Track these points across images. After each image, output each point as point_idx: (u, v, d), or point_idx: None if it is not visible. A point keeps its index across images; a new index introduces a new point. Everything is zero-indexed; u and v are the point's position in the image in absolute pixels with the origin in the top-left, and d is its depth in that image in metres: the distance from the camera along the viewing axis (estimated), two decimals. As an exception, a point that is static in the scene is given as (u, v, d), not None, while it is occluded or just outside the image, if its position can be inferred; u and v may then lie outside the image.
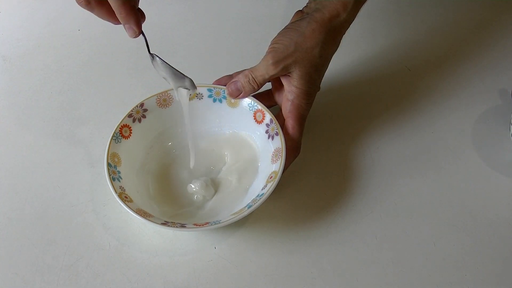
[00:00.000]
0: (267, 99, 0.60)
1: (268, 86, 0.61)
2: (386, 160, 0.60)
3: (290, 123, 0.56)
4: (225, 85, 0.58)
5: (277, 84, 0.59)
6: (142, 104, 0.58)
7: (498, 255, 0.53)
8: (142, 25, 0.50)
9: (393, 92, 0.67)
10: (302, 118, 0.56)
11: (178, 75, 0.52)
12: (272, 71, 0.54)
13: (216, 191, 0.57)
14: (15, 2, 0.79)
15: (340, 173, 0.59)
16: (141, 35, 0.50)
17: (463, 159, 0.60)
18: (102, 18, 0.49)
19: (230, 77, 0.59)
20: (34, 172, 0.60)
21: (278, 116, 0.58)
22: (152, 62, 0.52)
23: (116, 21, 0.49)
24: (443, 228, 0.55)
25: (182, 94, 0.54)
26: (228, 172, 0.59)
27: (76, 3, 0.47)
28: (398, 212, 0.56)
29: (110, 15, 0.48)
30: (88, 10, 0.48)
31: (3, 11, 0.78)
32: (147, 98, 0.58)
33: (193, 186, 0.56)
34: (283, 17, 0.75)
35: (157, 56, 0.51)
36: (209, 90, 0.59)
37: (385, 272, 0.52)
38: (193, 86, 0.53)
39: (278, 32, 0.57)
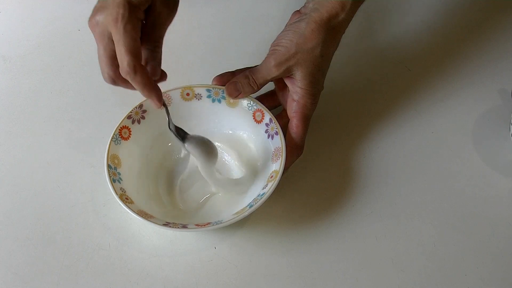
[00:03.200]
0: (271, 100, 0.61)
1: (271, 86, 0.61)
2: (386, 160, 0.60)
3: (294, 122, 0.56)
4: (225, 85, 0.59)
5: (281, 85, 0.59)
6: (141, 105, 0.58)
7: (498, 255, 0.53)
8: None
9: (393, 92, 0.67)
10: (307, 118, 0.56)
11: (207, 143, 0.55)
12: (274, 73, 0.55)
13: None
14: (15, 2, 0.79)
15: (340, 173, 0.59)
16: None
17: (463, 159, 0.60)
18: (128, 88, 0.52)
19: (233, 74, 0.59)
20: (34, 172, 0.60)
21: (281, 115, 0.59)
22: (173, 134, 0.54)
23: None
24: (443, 228, 0.55)
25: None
26: (228, 172, 0.59)
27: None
28: (398, 212, 0.56)
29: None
30: (114, 85, 0.52)
31: (3, 11, 0.78)
32: (146, 99, 0.58)
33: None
34: (283, 17, 0.74)
35: (173, 131, 0.54)
36: (208, 91, 0.59)
37: (385, 272, 0.52)
38: (213, 157, 0.55)
39: (277, 32, 0.57)
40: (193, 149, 0.54)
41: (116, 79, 0.50)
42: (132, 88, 0.51)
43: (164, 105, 0.53)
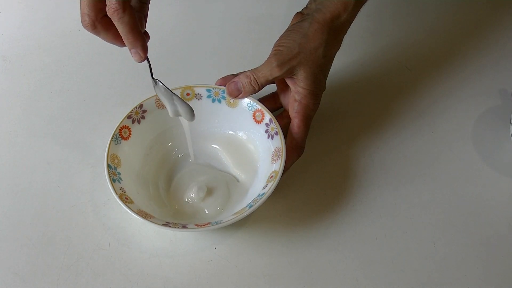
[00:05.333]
0: (273, 101, 0.61)
1: (273, 88, 0.61)
2: (386, 160, 0.60)
3: (296, 122, 0.56)
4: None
5: (283, 86, 0.59)
6: (141, 105, 0.58)
7: (498, 255, 0.53)
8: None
9: (393, 92, 0.67)
10: (308, 118, 0.56)
11: (179, 102, 0.52)
12: (276, 73, 0.55)
13: (211, 195, 0.56)
14: (15, 2, 0.79)
15: (340, 173, 0.59)
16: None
17: (463, 159, 0.60)
18: (108, 42, 0.49)
19: (235, 76, 0.59)
20: (34, 172, 0.60)
21: (282, 116, 0.59)
22: (154, 87, 0.52)
23: (122, 44, 0.49)
24: (443, 228, 0.55)
25: (183, 122, 0.54)
26: (228, 173, 0.59)
27: (79, 10, 0.47)
28: (398, 212, 0.56)
29: (116, 39, 0.49)
30: (94, 34, 0.48)
31: (3, 11, 0.78)
32: (146, 99, 0.58)
33: (191, 195, 0.56)
34: (284, 17, 0.75)
35: (160, 81, 0.51)
36: (208, 91, 0.59)
37: (385, 272, 0.52)
38: (191, 117, 0.52)
39: (278, 32, 0.57)
40: (181, 105, 0.52)
41: (97, 23, 0.46)
42: (112, 38, 0.48)
43: (147, 59, 0.50)
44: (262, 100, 0.59)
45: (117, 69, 0.70)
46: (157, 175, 0.58)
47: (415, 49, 0.73)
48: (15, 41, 0.74)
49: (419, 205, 0.57)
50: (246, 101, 0.58)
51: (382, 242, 0.54)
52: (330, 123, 0.64)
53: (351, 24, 0.57)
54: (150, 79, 0.52)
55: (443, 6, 0.78)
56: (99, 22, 0.47)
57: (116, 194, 0.50)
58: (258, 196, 0.52)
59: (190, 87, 0.59)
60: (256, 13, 0.78)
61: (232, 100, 0.59)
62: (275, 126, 0.56)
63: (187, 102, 0.53)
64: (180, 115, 0.54)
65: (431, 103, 0.66)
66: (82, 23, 0.47)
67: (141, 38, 0.47)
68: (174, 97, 0.52)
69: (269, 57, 0.55)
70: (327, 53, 0.56)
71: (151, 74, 0.51)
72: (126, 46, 0.49)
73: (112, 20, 0.46)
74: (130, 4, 0.45)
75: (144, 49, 0.48)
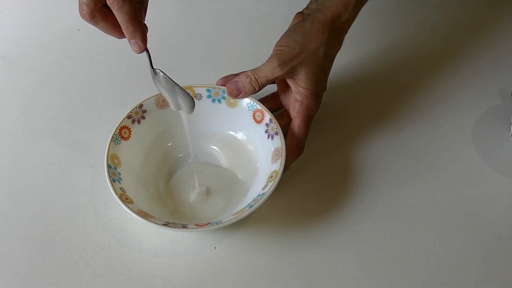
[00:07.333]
0: (273, 101, 0.61)
1: (273, 88, 0.61)
2: (386, 160, 0.60)
3: (297, 122, 0.56)
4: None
5: (284, 86, 0.59)
6: (141, 105, 0.58)
7: (498, 255, 0.53)
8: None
9: (393, 92, 0.67)
10: (309, 118, 0.56)
11: (180, 93, 0.51)
12: (277, 73, 0.55)
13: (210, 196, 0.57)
14: (15, 2, 0.79)
15: (340, 173, 0.59)
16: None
17: (463, 159, 0.60)
18: (107, 33, 0.49)
19: (236, 76, 0.59)
20: (34, 172, 0.60)
21: (282, 116, 0.59)
22: (153, 79, 0.51)
23: (120, 35, 0.49)
24: (443, 228, 0.55)
25: (183, 116, 0.54)
26: (228, 173, 0.59)
27: (78, 10, 0.47)
28: (398, 212, 0.56)
29: (115, 29, 0.48)
30: (92, 24, 0.48)
31: (3, 11, 0.78)
32: (146, 99, 0.58)
33: (193, 197, 0.56)
34: (284, 18, 0.75)
35: (161, 71, 0.50)
36: (208, 91, 0.59)
37: (385, 272, 0.52)
38: (191, 108, 0.52)
39: (278, 32, 0.57)
40: (182, 96, 0.51)
41: (96, 12, 0.46)
42: (111, 28, 0.47)
43: (146, 49, 0.49)
44: (262, 100, 0.59)
45: (117, 69, 0.70)
46: (157, 175, 0.58)
47: (415, 49, 0.73)
48: (15, 41, 0.74)
49: (419, 205, 0.57)
50: (246, 101, 0.58)
51: (382, 242, 0.54)
52: (330, 123, 0.64)
53: (351, 24, 0.57)
54: (150, 71, 0.51)
55: (443, 6, 0.78)
56: (98, 11, 0.46)
57: (116, 194, 0.50)
58: (258, 196, 0.52)
59: (190, 87, 0.59)
60: (256, 13, 0.78)
61: (232, 100, 0.59)
62: (275, 126, 0.56)
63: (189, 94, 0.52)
64: (181, 109, 0.53)
65: (431, 103, 0.66)
66: (80, 12, 0.46)
67: (140, 28, 0.47)
68: (176, 87, 0.51)
69: (270, 57, 0.55)
70: (328, 53, 0.56)
71: (151, 64, 0.50)
72: (125, 37, 0.48)
73: (112, 9, 0.46)
74: None
75: (144, 39, 0.48)
